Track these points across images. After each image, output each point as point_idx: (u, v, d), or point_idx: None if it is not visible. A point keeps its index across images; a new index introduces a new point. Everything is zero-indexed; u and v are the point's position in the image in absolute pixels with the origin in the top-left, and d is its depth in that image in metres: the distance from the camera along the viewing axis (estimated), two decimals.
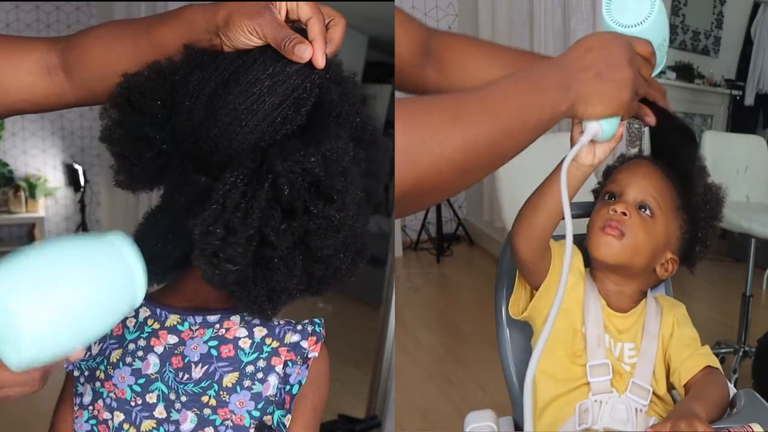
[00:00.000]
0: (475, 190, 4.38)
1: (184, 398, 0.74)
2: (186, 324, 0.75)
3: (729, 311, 2.64)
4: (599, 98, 0.73)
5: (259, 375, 0.73)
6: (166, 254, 0.76)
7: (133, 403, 0.75)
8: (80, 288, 0.58)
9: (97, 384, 0.76)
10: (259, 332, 0.75)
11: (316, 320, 0.77)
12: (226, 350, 0.74)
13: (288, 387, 0.73)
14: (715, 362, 0.93)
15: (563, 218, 0.73)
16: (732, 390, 0.92)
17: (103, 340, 0.77)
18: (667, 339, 0.95)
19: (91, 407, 0.76)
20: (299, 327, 0.76)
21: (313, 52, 0.67)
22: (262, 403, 0.73)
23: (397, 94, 0.87)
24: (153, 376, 0.74)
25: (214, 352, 0.74)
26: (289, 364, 0.74)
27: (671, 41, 4.48)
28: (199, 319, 0.75)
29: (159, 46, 0.72)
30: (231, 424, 0.73)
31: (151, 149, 0.70)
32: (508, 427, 1.04)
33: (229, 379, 0.73)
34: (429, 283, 3.82)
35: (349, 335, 2.95)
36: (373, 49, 4.65)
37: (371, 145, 0.73)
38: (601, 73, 0.72)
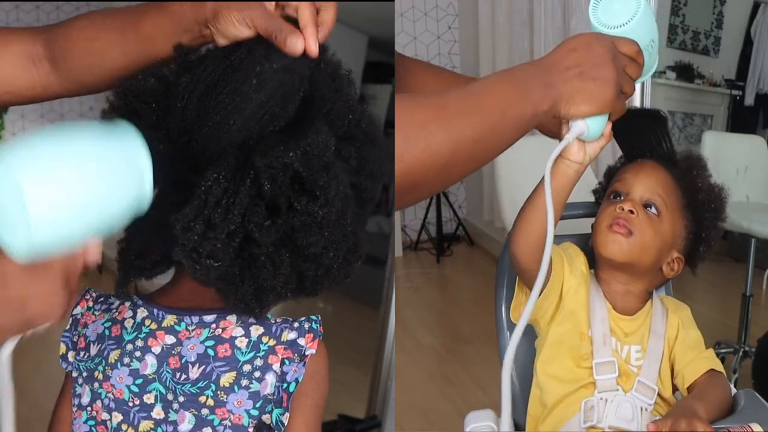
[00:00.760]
0: (475, 190, 4.38)
1: (181, 398, 0.73)
2: (183, 324, 0.75)
3: (729, 311, 2.64)
4: (582, 97, 0.73)
5: (257, 374, 0.73)
6: (154, 250, 0.75)
7: (131, 404, 0.74)
8: (86, 166, 0.58)
9: (96, 384, 0.76)
10: (256, 331, 0.75)
11: (313, 317, 0.77)
12: (223, 350, 0.73)
13: (285, 385, 0.73)
14: (719, 366, 0.93)
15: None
16: (732, 390, 0.92)
17: (101, 340, 0.77)
18: (672, 341, 0.95)
19: (89, 408, 0.76)
20: (296, 324, 0.75)
21: (305, 41, 0.67)
22: (260, 402, 0.73)
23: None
24: (151, 377, 0.74)
25: (210, 352, 0.74)
26: (286, 361, 0.73)
27: (671, 41, 4.48)
28: (195, 319, 0.75)
29: (146, 38, 0.71)
30: (229, 424, 0.72)
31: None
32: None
33: (227, 379, 0.73)
34: (429, 283, 3.82)
35: (349, 335, 2.94)
36: (373, 49, 4.64)
37: (366, 144, 0.73)
38: (584, 72, 0.72)
